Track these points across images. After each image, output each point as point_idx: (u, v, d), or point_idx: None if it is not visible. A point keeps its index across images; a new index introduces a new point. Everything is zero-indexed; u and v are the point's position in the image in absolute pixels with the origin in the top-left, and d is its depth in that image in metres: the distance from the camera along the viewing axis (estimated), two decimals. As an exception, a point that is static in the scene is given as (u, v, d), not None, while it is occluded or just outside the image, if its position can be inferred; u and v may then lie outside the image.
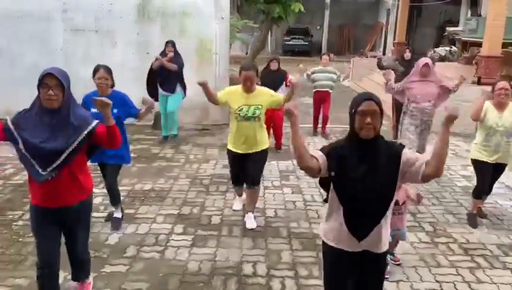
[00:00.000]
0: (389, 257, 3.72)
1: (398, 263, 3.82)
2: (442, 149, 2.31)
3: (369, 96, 2.33)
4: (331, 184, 2.44)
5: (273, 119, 6.82)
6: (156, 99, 7.08)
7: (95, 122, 2.74)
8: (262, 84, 6.53)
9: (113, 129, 2.75)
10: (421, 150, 6.09)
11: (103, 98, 2.70)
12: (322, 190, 2.77)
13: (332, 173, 2.35)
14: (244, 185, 4.70)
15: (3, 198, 5.07)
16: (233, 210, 4.86)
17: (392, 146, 2.42)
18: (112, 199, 4.45)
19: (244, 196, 4.88)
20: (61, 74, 2.61)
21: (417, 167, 2.32)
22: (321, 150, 2.42)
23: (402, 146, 2.43)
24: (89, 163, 3.08)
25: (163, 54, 7.11)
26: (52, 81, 2.56)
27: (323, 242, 2.56)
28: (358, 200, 2.35)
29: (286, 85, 6.94)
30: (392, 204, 2.43)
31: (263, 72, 6.86)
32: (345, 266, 2.50)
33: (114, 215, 4.47)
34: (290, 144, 2.35)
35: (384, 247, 2.48)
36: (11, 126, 2.61)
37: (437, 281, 3.63)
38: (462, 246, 4.24)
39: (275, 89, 6.91)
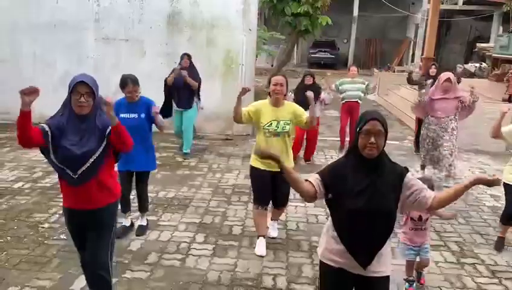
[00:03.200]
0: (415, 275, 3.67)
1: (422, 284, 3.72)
2: (454, 198, 2.32)
3: (374, 116, 2.28)
4: (330, 207, 2.42)
5: (309, 134, 7.00)
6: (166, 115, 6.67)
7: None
8: (297, 100, 6.60)
9: (118, 129, 2.75)
10: (434, 163, 6.12)
11: (106, 98, 2.69)
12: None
13: (330, 195, 2.33)
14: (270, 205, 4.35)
15: (31, 200, 5.20)
16: (258, 256, 4.14)
17: (396, 167, 2.37)
18: (140, 206, 4.56)
19: (267, 235, 4.43)
20: (92, 82, 2.71)
21: (424, 197, 2.32)
22: (319, 172, 2.40)
23: (406, 170, 2.38)
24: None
25: (179, 66, 6.89)
26: (84, 88, 2.66)
27: (321, 263, 2.49)
28: (360, 218, 2.26)
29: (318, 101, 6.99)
30: (392, 230, 2.37)
31: (298, 87, 6.87)
32: (347, 286, 2.43)
33: (139, 223, 4.54)
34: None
35: (386, 270, 2.39)
36: (48, 129, 2.68)
37: (462, 303, 3.53)
38: (489, 268, 4.10)
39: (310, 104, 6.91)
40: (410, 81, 9.07)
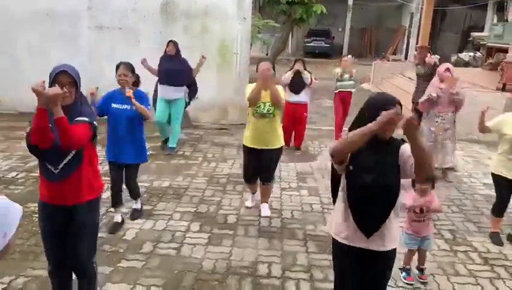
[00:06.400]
0: (417, 273, 3.69)
1: (424, 281, 3.65)
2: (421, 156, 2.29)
3: (396, 101, 2.42)
4: (343, 180, 2.54)
5: (298, 119, 7.14)
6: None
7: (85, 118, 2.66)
8: (291, 82, 6.59)
9: (57, 122, 2.47)
10: (440, 160, 5.93)
11: (56, 88, 2.45)
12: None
13: (351, 167, 2.45)
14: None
15: (25, 190, 5.19)
16: (246, 207, 4.92)
17: (394, 140, 2.51)
18: (131, 194, 4.58)
19: (257, 193, 4.96)
20: (74, 72, 2.61)
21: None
22: None
23: (403, 141, 2.51)
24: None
25: (164, 53, 6.72)
26: (66, 78, 2.56)
27: (333, 238, 2.66)
28: (368, 192, 2.42)
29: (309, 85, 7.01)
30: (399, 202, 2.51)
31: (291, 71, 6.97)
32: (353, 261, 2.59)
33: (133, 207, 4.60)
34: (358, 134, 2.32)
35: (392, 244, 2.54)
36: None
37: (455, 290, 3.57)
38: (482, 255, 4.15)
39: (300, 89, 6.97)
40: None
